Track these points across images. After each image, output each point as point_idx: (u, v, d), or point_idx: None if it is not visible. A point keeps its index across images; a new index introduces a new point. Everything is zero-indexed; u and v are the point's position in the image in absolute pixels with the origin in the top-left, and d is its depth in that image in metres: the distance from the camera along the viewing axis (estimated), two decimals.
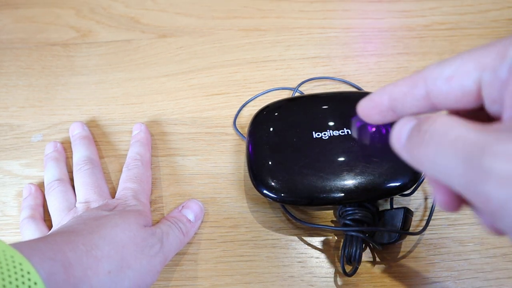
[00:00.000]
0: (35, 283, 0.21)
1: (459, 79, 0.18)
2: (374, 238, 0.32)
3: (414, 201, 0.35)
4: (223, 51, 0.45)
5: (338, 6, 0.48)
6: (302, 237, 0.34)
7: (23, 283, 0.21)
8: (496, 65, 0.17)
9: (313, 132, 0.33)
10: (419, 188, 0.34)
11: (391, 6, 0.47)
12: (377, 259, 0.33)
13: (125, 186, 0.34)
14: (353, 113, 0.34)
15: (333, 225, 0.34)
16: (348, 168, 0.32)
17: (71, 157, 0.38)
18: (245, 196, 0.36)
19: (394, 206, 0.34)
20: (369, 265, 0.32)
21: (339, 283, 0.32)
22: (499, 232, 0.18)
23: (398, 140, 0.19)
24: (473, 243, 0.33)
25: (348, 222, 0.31)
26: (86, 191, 0.34)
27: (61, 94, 0.43)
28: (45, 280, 0.22)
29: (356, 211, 0.31)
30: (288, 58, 0.44)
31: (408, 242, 0.33)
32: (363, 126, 0.34)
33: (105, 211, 0.31)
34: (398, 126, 0.19)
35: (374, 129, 0.33)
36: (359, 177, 0.31)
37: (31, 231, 0.33)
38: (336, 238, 0.34)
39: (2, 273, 0.20)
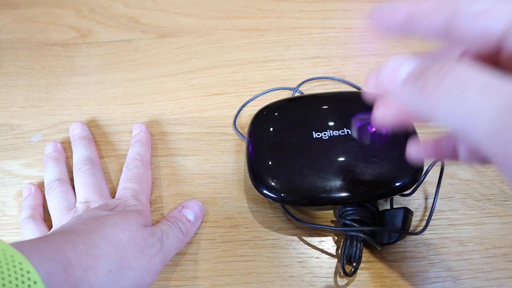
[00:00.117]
0: (35, 282, 0.21)
1: (487, 18, 0.17)
2: (374, 238, 0.32)
3: (414, 201, 0.35)
4: (223, 51, 0.45)
5: (338, 6, 0.48)
6: (302, 237, 0.34)
7: (22, 282, 0.21)
8: None
9: (313, 132, 0.33)
10: (419, 188, 0.34)
11: None
12: (377, 259, 0.33)
13: (125, 186, 0.34)
14: (353, 113, 0.34)
15: (333, 225, 0.34)
16: (348, 168, 0.32)
17: (71, 157, 0.38)
18: (245, 196, 0.36)
19: (394, 206, 0.34)
20: (369, 265, 0.32)
21: (339, 283, 0.32)
22: None
23: (392, 78, 0.18)
24: (473, 243, 0.33)
25: (348, 222, 0.31)
26: (86, 191, 0.34)
27: (61, 94, 0.43)
28: (44, 279, 0.22)
29: (356, 211, 0.31)
30: (288, 58, 0.44)
31: (408, 242, 0.33)
32: (363, 126, 0.34)
33: (105, 211, 0.31)
34: (392, 63, 0.18)
35: (374, 129, 0.33)
36: (359, 177, 0.31)
37: (31, 231, 0.33)
38: (336, 238, 0.34)
39: (2, 272, 0.20)
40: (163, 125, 0.40)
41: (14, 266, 0.21)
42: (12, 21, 0.49)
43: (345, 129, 0.33)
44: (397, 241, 0.31)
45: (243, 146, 0.39)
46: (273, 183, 0.32)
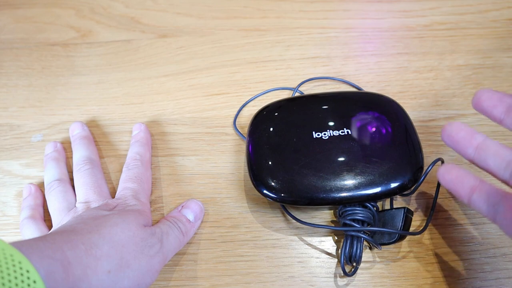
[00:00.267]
0: (35, 282, 0.21)
1: None
2: (374, 238, 0.32)
3: (414, 201, 0.35)
4: (223, 51, 0.45)
5: (338, 6, 0.48)
6: (302, 237, 0.34)
7: (22, 281, 0.21)
8: None
9: (313, 132, 0.33)
10: (419, 188, 0.34)
11: (391, 6, 0.47)
12: (377, 259, 0.33)
13: (125, 186, 0.34)
14: (353, 113, 0.35)
15: (333, 225, 0.34)
16: (348, 168, 0.32)
17: (71, 157, 0.38)
18: (245, 196, 0.36)
19: (394, 206, 0.34)
20: (369, 265, 0.32)
21: (339, 283, 0.32)
22: None
23: (487, 206, 0.25)
24: (473, 243, 0.33)
25: (348, 222, 0.31)
26: (86, 191, 0.34)
27: (61, 94, 0.43)
28: (44, 278, 0.22)
29: (356, 211, 0.31)
30: (288, 58, 0.44)
31: (408, 242, 0.33)
32: (363, 126, 0.34)
33: (105, 210, 0.31)
34: (484, 193, 0.25)
35: (374, 129, 0.33)
36: (359, 177, 0.31)
37: (31, 231, 0.33)
38: (336, 238, 0.34)
39: (2, 271, 0.20)
40: (163, 125, 0.40)
41: (14, 266, 0.21)
42: (12, 21, 0.49)
43: (345, 129, 0.33)
44: (397, 241, 0.31)
45: (243, 146, 0.39)
46: (273, 183, 0.32)
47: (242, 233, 0.34)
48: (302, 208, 0.35)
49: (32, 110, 0.42)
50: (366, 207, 0.32)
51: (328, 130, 0.33)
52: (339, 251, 0.32)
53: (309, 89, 0.42)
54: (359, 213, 0.31)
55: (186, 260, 0.33)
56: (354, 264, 0.31)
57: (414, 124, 0.34)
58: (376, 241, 0.31)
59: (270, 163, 0.33)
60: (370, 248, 0.33)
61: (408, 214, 0.32)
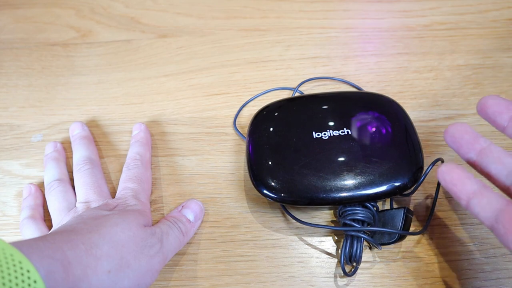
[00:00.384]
0: (35, 281, 0.21)
1: None
2: (374, 238, 0.32)
3: (414, 201, 0.35)
4: (223, 51, 0.45)
5: (338, 6, 0.48)
6: (302, 237, 0.34)
7: (22, 281, 0.21)
8: None
9: (313, 132, 0.33)
10: (419, 188, 0.34)
11: (391, 6, 0.47)
12: (377, 259, 0.33)
13: (125, 186, 0.34)
14: (353, 113, 0.35)
15: (333, 225, 0.34)
16: (348, 168, 0.32)
17: (71, 157, 0.38)
18: (245, 196, 0.36)
19: (394, 206, 0.34)
20: (369, 265, 0.32)
21: (339, 283, 0.32)
22: None
23: (486, 213, 0.24)
24: (473, 243, 0.33)
25: (348, 222, 0.31)
26: (86, 191, 0.34)
27: (61, 94, 0.43)
28: (44, 278, 0.22)
29: (356, 211, 0.31)
30: (288, 58, 0.44)
31: (408, 242, 0.33)
32: (363, 126, 0.34)
33: (105, 210, 0.31)
34: (484, 199, 0.24)
35: (374, 129, 0.33)
36: (359, 177, 0.31)
37: (31, 231, 0.33)
38: (336, 238, 0.34)
39: (2, 271, 0.20)
40: (163, 125, 0.40)
41: (14, 265, 0.21)
42: (12, 21, 0.49)
43: (345, 129, 0.33)
44: (397, 241, 0.31)
45: (243, 146, 0.39)
46: (273, 183, 0.32)
47: (242, 233, 0.34)
48: (302, 208, 0.35)
49: (32, 110, 0.42)
50: (366, 207, 0.32)
51: (328, 130, 0.33)
52: (339, 251, 0.32)
53: (309, 89, 0.42)
54: (359, 213, 0.31)
55: (186, 260, 0.33)
56: (354, 264, 0.31)
57: (414, 124, 0.34)
58: (376, 241, 0.31)
59: (270, 163, 0.33)
60: (370, 248, 0.33)
61: (408, 214, 0.32)
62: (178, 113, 0.41)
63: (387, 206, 0.35)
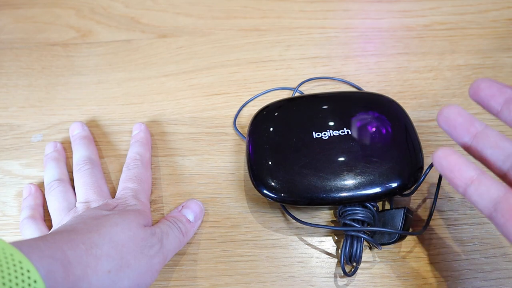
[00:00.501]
0: (35, 281, 0.21)
1: None
2: (374, 238, 0.32)
3: (414, 201, 0.35)
4: (223, 51, 0.45)
5: (338, 6, 0.48)
6: (302, 237, 0.34)
7: (22, 281, 0.21)
8: None
9: (313, 132, 0.33)
10: (419, 188, 0.34)
11: (391, 6, 0.47)
12: (377, 259, 0.33)
13: (125, 186, 0.34)
14: (353, 113, 0.34)
15: (333, 225, 0.34)
16: (348, 168, 0.32)
17: (71, 157, 0.38)
18: (245, 196, 0.36)
19: (394, 206, 0.34)
20: (369, 265, 0.32)
21: (339, 283, 0.32)
22: None
23: (484, 201, 0.23)
24: (473, 243, 0.33)
25: (348, 222, 0.31)
26: (86, 191, 0.34)
27: (61, 94, 0.43)
28: (44, 278, 0.22)
29: (356, 211, 0.31)
30: (288, 58, 0.44)
31: (408, 242, 0.33)
32: (363, 126, 0.34)
33: (105, 210, 0.31)
34: (482, 187, 0.23)
35: (374, 129, 0.33)
36: (359, 177, 0.31)
37: (31, 231, 0.33)
38: (336, 238, 0.34)
39: (2, 271, 0.20)
40: (163, 125, 0.40)
41: (14, 265, 0.21)
42: (12, 21, 0.49)
43: (345, 129, 0.33)
44: (397, 241, 0.31)
45: (243, 146, 0.39)
46: (273, 183, 0.32)
47: (242, 233, 0.34)
48: (302, 208, 0.35)
49: (32, 110, 0.42)
50: (366, 207, 0.32)
51: (328, 130, 0.33)
52: (339, 251, 0.32)
53: (309, 89, 0.42)
54: (359, 213, 0.31)
55: (186, 260, 0.33)
56: (354, 264, 0.31)
57: (414, 124, 0.34)
58: (376, 241, 0.31)
59: (270, 163, 0.33)
60: (370, 248, 0.33)
61: (408, 214, 0.32)
62: (178, 113, 0.41)
63: (387, 206, 0.35)
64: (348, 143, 0.33)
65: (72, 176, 0.36)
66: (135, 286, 0.28)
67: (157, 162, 0.38)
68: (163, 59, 0.45)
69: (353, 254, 0.31)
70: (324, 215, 0.35)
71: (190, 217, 0.33)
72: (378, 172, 0.31)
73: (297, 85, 0.42)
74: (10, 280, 0.20)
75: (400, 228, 0.31)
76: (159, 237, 0.30)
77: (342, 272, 0.31)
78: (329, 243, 0.34)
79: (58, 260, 0.24)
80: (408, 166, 0.32)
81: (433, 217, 0.34)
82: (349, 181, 0.31)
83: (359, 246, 0.31)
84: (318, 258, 0.33)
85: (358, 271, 0.32)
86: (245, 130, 0.38)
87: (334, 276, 0.32)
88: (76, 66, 0.45)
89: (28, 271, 0.21)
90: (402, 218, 0.31)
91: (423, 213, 0.34)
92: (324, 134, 0.33)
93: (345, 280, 0.32)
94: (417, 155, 0.32)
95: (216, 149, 0.39)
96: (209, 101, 0.42)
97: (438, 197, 0.34)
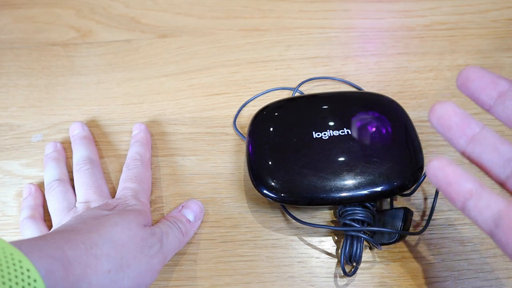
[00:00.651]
0: (35, 280, 0.21)
1: None
2: (374, 238, 0.32)
3: (414, 201, 0.35)
4: (223, 51, 0.45)
5: (338, 6, 0.48)
6: (302, 237, 0.34)
7: (22, 280, 0.21)
8: None
9: (313, 132, 0.33)
10: (419, 188, 0.34)
11: (391, 6, 0.47)
12: (377, 259, 0.33)
13: (125, 186, 0.34)
14: (353, 113, 0.34)
15: (333, 225, 0.34)
16: (348, 168, 0.32)
17: (71, 157, 0.38)
18: (245, 196, 0.36)
19: (394, 206, 0.34)
20: (369, 265, 0.32)
21: (340, 283, 0.32)
22: None
23: (484, 217, 0.21)
24: (473, 243, 0.33)
25: (348, 222, 0.31)
26: (86, 191, 0.34)
27: (61, 94, 0.43)
28: (44, 277, 0.22)
29: (356, 211, 0.31)
30: (288, 58, 0.44)
31: (408, 242, 0.33)
32: (363, 126, 0.34)
33: (105, 210, 0.31)
34: (482, 202, 0.21)
35: (374, 129, 0.33)
36: (359, 177, 0.31)
37: (31, 231, 0.33)
38: (336, 238, 0.34)
39: (2, 270, 0.20)
40: (163, 125, 0.40)
41: (14, 264, 0.21)
42: (12, 21, 0.49)
43: (345, 129, 0.33)
44: (397, 241, 0.31)
45: (243, 146, 0.39)
46: (273, 183, 0.32)
47: (242, 233, 0.34)
48: (302, 208, 0.35)
49: (32, 110, 0.42)
50: (366, 207, 0.32)
51: (328, 130, 0.33)
52: (339, 251, 0.32)
53: (309, 89, 0.42)
54: (359, 213, 0.31)
55: (186, 260, 0.33)
56: (354, 264, 0.31)
57: (414, 124, 0.34)
58: (376, 241, 0.31)
59: (270, 163, 0.33)
60: (370, 248, 0.33)
61: (408, 214, 0.32)
62: (178, 113, 0.41)
63: (387, 206, 0.35)
64: (348, 143, 0.33)
65: (72, 176, 0.36)
66: (135, 286, 0.28)
67: (157, 162, 0.38)
68: (163, 59, 0.45)
69: (353, 254, 0.31)
70: (324, 215, 0.35)
71: (190, 217, 0.33)
72: (378, 172, 0.31)
73: (297, 85, 0.42)
74: (10, 280, 0.20)
75: (400, 228, 0.31)
76: (159, 237, 0.30)
77: (342, 272, 0.31)
78: (329, 243, 0.34)
79: (58, 260, 0.24)
80: (408, 166, 0.32)
81: (433, 217, 0.34)
82: (349, 181, 0.31)
83: (359, 246, 0.31)
84: (318, 258, 0.33)
85: (358, 271, 0.32)
86: (245, 130, 0.38)
87: (334, 276, 0.32)
88: (76, 66, 0.45)
89: (28, 270, 0.21)
90: (402, 218, 0.31)
91: (423, 213, 0.34)
92: (324, 134, 0.33)
93: (345, 280, 0.32)
94: (417, 155, 0.32)
95: (216, 149, 0.39)
96: (209, 101, 0.42)
97: (438, 197, 0.34)
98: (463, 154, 0.23)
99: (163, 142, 0.39)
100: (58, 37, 0.47)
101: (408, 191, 0.32)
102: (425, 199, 0.35)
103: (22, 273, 0.21)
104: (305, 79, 0.42)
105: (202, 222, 0.35)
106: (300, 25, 0.46)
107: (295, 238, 0.34)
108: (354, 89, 0.41)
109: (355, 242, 0.31)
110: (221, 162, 0.38)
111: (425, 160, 0.33)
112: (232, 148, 0.39)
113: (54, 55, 0.46)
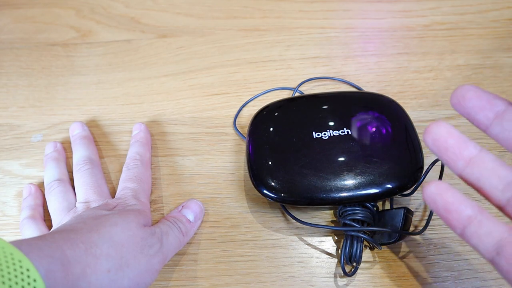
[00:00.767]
0: (35, 280, 0.21)
1: None
2: (374, 238, 0.32)
3: (414, 201, 0.35)
4: (223, 51, 0.45)
5: (338, 6, 0.48)
6: (302, 237, 0.34)
7: (22, 280, 0.21)
8: None
9: (313, 132, 0.33)
10: (419, 188, 0.34)
11: (391, 6, 0.47)
12: (377, 259, 0.33)
13: (125, 185, 0.34)
14: (353, 113, 0.34)
15: (333, 225, 0.34)
16: (348, 168, 0.32)
17: (71, 157, 0.38)
18: (245, 196, 0.36)
19: (394, 206, 0.34)
20: (369, 265, 0.32)
21: (339, 283, 0.32)
22: None
23: (485, 245, 0.20)
24: None
25: (348, 222, 0.31)
26: (86, 191, 0.34)
27: (61, 94, 0.43)
28: (44, 277, 0.22)
29: (356, 211, 0.31)
30: (288, 58, 0.44)
31: (408, 242, 0.33)
32: (363, 126, 0.34)
33: (105, 210, 0.31)
34: (483, 229, 0.20)
35: (374, 129, 0.33)
36: (359, 177, 0.31)
37: (31, 231, 0.33)
38: (336, 238, 0.34)
39: (2, 270, 0.20)
40: (163, 125, 0.40)
41: (14, 264, 0.21)
42: (12, 21, 0.49)
43: (345, 129, 0.33)
44: (397, 241, 0.31)
45: (243, 146, 0.39)
46: (273, 183, 0.32)
47: (242, 233, 0.34)
48: (302, 208, 0.35)
49: (32, 110, 0.42)
50: (366, 207, 0.32)
51: (328, 130, 0.33)
52: (339, 251, 0.32)
53: (309, 89, 0.42)
54: (359, 213, 0.31)
55: (186, 260, 0.33)
56: (354, 264, 0.31)
57: (414, 124, 0.34)
58: (376, 241, 0.31)
59: (270, 163, 0.33)
60: (370, 248, 0.33)
61: (408, 214, 0.32)
62: (178, 113, 0.41)
63: (387, 206, 0.35)
64: (348, 143, 0.33)
65: (72, 176, 0.36)
66: (134, 285, 0.27)
67: (157, 162, 0.38)
68: (163, 59, 0.45)
69: (353, 254, 0.31)
70: (324, 215, 0.35)
71: (190, 217, 0.33)
72: (378, 172, 0.31)
73: (297, 85, 0.42)
74: (9, 279, 0.20)
75: (400, 228, 0.31)
76: (159, 236, 0.30)
77: (342, 272, 0.31)
78: (329, 243, 0.34)
79: (58, 260, 0.24)
80: (408, 166, 0.32)
81: (433, 217, 0.34)
82: (349, 181, 0.31)
83: (359, 246, 0.31)
84: (318, 258, 0.33)
85: (358, 271, 0.32)
86: (245, 130, 0.38)
87: (334, 276, 0.32)
88: (76, 66, 0.45)
89: (28, 270, 0.21)
90: (402, 218, 0.31)
91: (423, 213, 0.34)
92: (324, 134, 0.33)
93: (345, 280, 0.32)
94: (417, 155, 0.32)
95: (216, 149, 0.39)
96: (209, 101, 0.42)
97: None
98: (461, 177, 0.22)
99: (163, 142, 0.39)
100: (58, 37, 0.47)
101: (408, 191, 0.32)
102: None
103: (22, 273, 0.21)
104: (305, 79, 0.42)
105: (202, 222, 0.35)
106: (300, 25, 0.46)
107: (295, 238, 0.34)
108: (354, 89, 0.41)
109: (355, 242, 0.31)
110: (221, 162, 0.38)
111: (425, 160, 0.33)
112: (232, 148, 0.39)
113: (54, 55, 0.46)
